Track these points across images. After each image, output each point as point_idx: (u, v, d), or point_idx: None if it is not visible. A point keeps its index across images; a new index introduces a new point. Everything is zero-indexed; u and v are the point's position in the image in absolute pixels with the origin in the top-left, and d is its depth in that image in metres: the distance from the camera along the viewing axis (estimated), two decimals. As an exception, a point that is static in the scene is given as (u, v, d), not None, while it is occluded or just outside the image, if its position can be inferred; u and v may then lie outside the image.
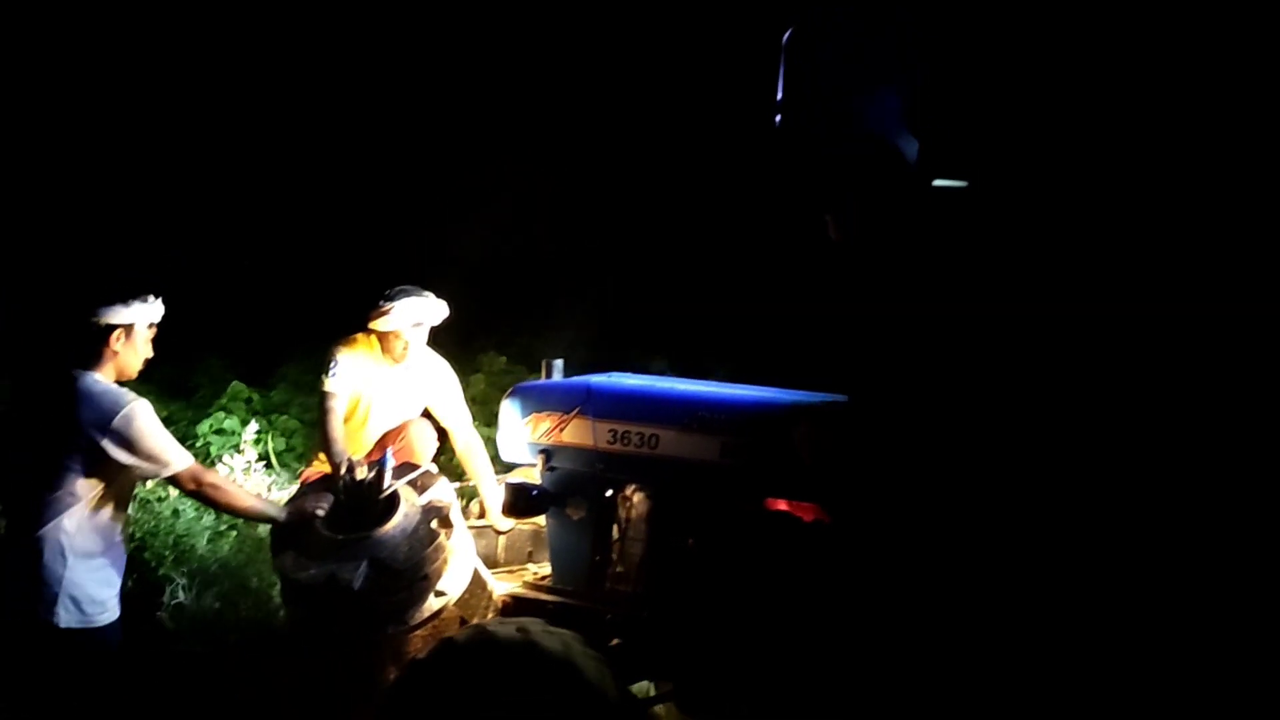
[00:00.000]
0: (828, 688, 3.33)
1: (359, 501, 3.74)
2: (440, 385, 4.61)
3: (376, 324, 4.42)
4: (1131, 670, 2.86)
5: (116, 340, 3.52)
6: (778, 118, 3.04)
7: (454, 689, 3.24)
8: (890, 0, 3.04)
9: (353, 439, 4.45)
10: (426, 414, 4.70)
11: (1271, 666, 2.69)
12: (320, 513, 3.69)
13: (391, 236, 10.01)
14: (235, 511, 3.81)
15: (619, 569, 3.83)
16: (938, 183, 3.19)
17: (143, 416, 3.46)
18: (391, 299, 4.39)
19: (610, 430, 3.79)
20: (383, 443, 4.47)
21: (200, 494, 3.60)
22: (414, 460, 4.30)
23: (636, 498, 3.81)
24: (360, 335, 4.51)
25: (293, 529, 3.72)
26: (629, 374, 4.19)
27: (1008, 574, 2.98)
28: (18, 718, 3.42)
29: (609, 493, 3.82)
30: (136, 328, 3.56)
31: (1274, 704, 2.70)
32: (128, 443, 3.42)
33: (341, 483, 3.80)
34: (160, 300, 3.65)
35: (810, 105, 3.01)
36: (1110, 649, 2.87)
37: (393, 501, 3.71)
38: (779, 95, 3.04)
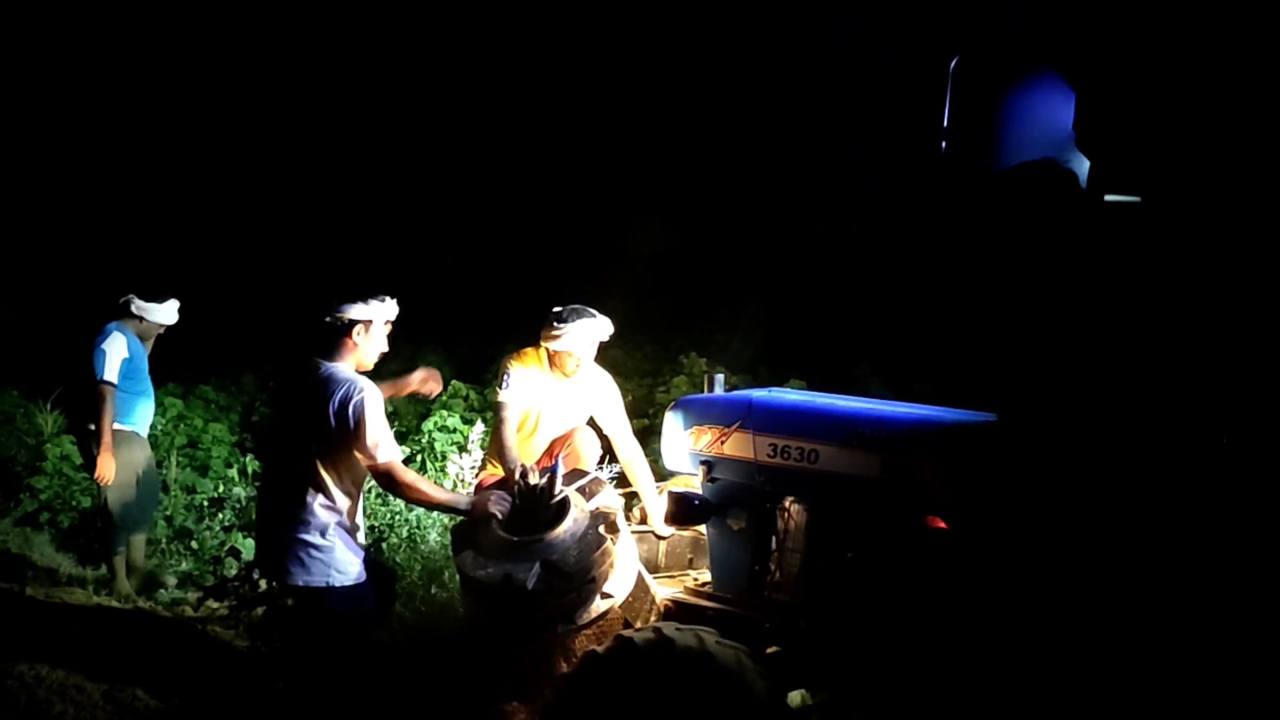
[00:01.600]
0: (976, 702, 3.38)
1: (532, 505, 3.97)
2: (604, 397, 4.82)
3: (550, 344, 4.65)
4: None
5: (357, 334, 4.11)
6: (944, 143, 3.11)
7: (627, 688, 3.42)
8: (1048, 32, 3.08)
9: (523, 446, 4.69)
10: (591, 423, 4.92)
11: None
12: (499, 514, 3.94)
13: (571, 235, 10.25)
14: (426, 503, 4.20)
15: (777, 579, 3.94)
16: (1110, 198, 3.19)
17: (371, 402, 4.00)
18: (564, 320, 4.60)
19: (770, 444, 3.92)
20: (551, 450, 4.72)
21: (394, 488, 4.06)
22: (580, 466, 4.52)
23: (795, 510, 3.92)
24: (531, 349, 4.75)
25: (471, 529, 3.98)
26: (788, 390, 4.30)
27: (1148, 597, 2.97)
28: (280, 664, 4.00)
29: (768, 505, 3.94)
30: (374, 324, 4.15)
31: None
32: (354, 423, 3.96)
33: (516, 487, 4.04)
34: (395, 301, 4.20)
35: (977, 130, 3.07)
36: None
37: (563, 507, 3.93)
38: (945, 122, 3.11)
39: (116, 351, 6.24)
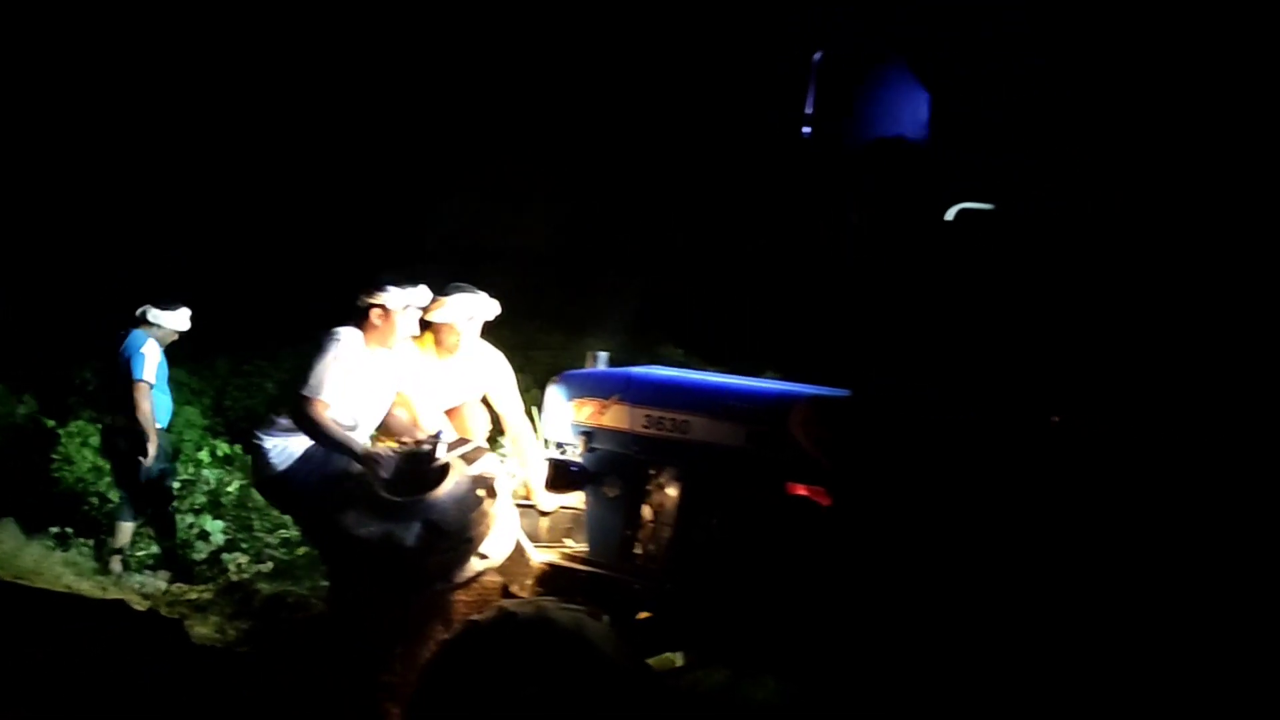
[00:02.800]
0: (839, 662, 3.60)
1: (415, 469, 4.11)
2: (494, 374, 4.97)
3: (431, 315, 4.79)
4: (1121, 654, 3.09)
5: (376, 317, 4.49)
6: (806, 129, 3.36)
7: (480, 666, 3.59)
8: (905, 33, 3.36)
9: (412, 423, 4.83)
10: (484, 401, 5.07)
11: None
12: (381, 471, 4.07)
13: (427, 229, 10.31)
14: (324, 439, 4.34)
15: (649, 544, 4.14)
16: (964, 206, 3.48)
17: (334, 341, 4.37)
18: (445, 294, 4.76)
19: (646, 416, 4.11)
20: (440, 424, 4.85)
21: (300, 419, 4.32)
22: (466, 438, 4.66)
23: (667, 478, 4.13)
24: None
25: (353, 492, 4.10)
26: (664, 367, 4.52)
27: (999, 558, 3.23)
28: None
29: (642, 473, 4.14)
30: (393, 309, 4.50)
31: None
32: (315, 353, 4.36)
33: (401, 452, 4.18)
34: (422, 288, 4.58)
35: (839, 119, 3.33)
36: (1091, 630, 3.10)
37: (445, 470, 4.07)
38: (809, 109, 3.36)
39: (153, 355, 7.04)
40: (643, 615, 4.13)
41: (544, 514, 4.71)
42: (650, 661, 4.24)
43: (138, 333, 7.09)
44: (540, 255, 9.67)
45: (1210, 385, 3.04)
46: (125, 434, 6.98)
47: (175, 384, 8.90)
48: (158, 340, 7.13)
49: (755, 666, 4.18)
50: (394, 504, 3.97)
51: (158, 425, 7.05)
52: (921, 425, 3.30)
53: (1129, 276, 3.19)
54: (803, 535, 3.75)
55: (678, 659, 4.27)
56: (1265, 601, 2.87)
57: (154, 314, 7.13)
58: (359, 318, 4.50)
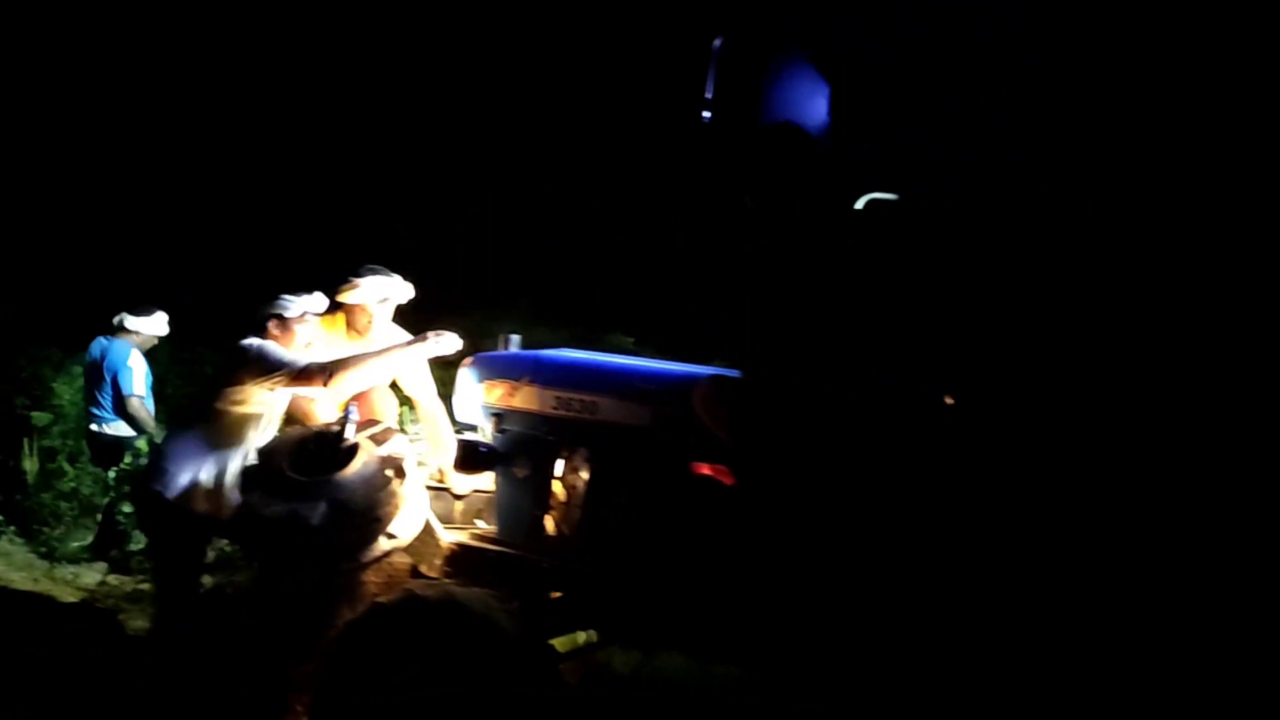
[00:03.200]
0: (747, 638, 3.69)
1: (324, 449, 4.11)
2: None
3: (343, 296, 4.80)
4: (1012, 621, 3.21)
5: (274, 328, 4.58)
6: (706, 114, 3.43)
7: (385, 648, 3.64)
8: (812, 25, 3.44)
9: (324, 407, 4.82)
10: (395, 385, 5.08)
11: None
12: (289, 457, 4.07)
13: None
14: None
15: (558, 525, 4.19)
16: (871, 196, 3.57)
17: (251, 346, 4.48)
18: (358, 275, 4.78)
19: (555, 397, 4.16)
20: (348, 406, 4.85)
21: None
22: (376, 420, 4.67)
23: (576, 459, 4.18)
24: (328, 316, 4.90)
25: (261, 473, 4.09)
26: (574, 349, 4.57)
27: (896, 533, 3.34)
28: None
29: (551, 454, 4.19)
30: (289, 321, 4.60)
31: None
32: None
33: (310, 433, 4.18)
34: (314, 297, 4.67)
35: (739, 105, 3.40)
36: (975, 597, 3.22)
37: (353, 451, 4.08)
38: (708, 94, 3.43)
39: (139, 367, 7.15)
40: (554, 595, 4.19)
41: (458, 497, 4.75)
42: (560, 640, 4.32)
43: (119, 343, 7.17)
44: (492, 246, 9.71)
45: (1101, 369, 3.18)
46: (101, 441, 7.15)
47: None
48: (139, 347, 7.21)
49: (665, 644, 4.27)
50: (300, 484, 3.97)
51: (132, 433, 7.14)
52: (816, 404, 3.40)
53: (1025, 265, 3.32)
54: (707, 514, 3.84)
55: (582, 638, 4.32)
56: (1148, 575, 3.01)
57: (131, 321, 7.21)
58: (258, 329, 4.59)
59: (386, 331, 4.93)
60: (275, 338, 4.58)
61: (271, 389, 4.36)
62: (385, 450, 4.17)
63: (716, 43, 3.45)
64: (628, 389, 4.01)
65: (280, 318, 4.61)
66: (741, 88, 3.43)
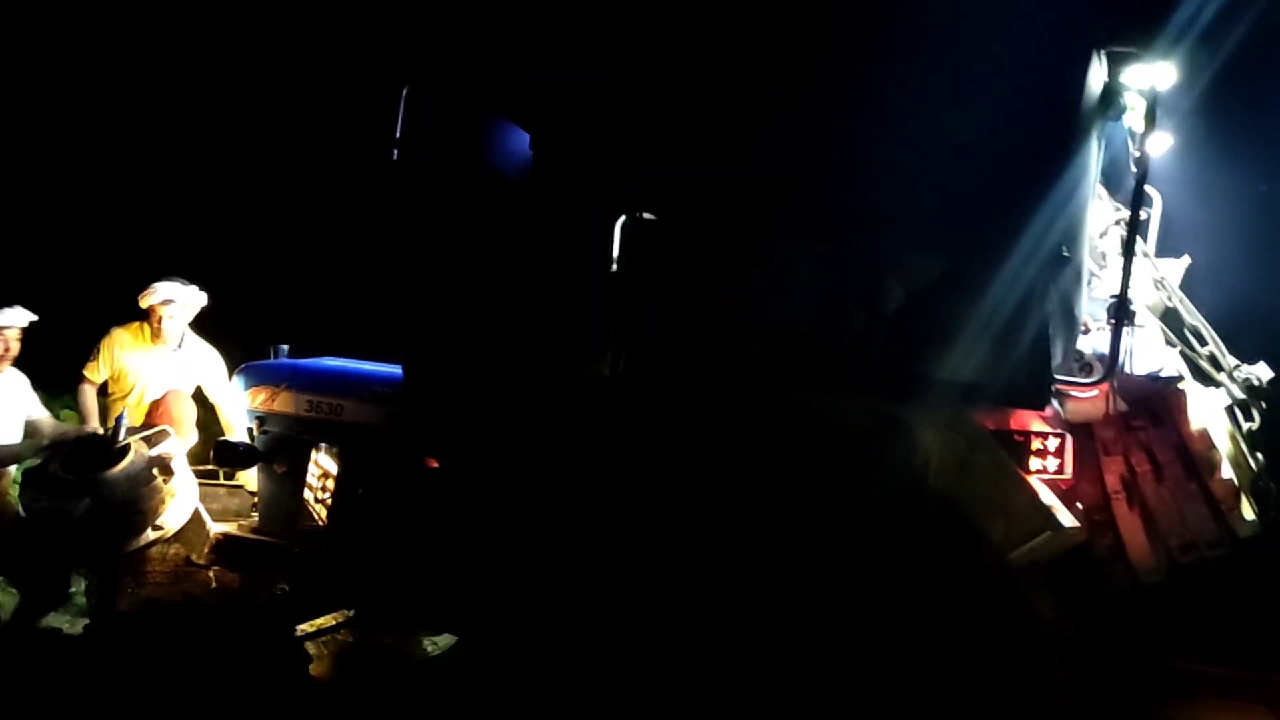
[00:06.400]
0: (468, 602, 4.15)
1: (96, 450, 4.57)
2: (206, 367, 5.47)
3: (143, 302, 5.33)
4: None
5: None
6: (395, 151, 3.94)
7: (135, 648, 4.07)
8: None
9: (129, 409, 5.28)
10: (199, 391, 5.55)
11: None
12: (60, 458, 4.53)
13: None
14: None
15: (309, 513, 4.67)
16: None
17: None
18: (157, 281, 5.31)
19: (308, 401, 4.65)
20: (150, 412, 5.32)
21: None
22: (174, 425, 5.13)
23: (326, 455, 4.67)
24: (135, 325, 5.38)
25: (37, 473, 4.55)
26: (335, 357, 5.05)
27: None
28: None
29: (306, 451, 4.67)
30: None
31: None
32: None
33: (86, 435, 4.65)
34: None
35: (421, 143, 3.93)
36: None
37: (124, 451, 4.55)
38: (398, 134, 3.95)
39: None
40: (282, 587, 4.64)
41: (253, 494, 5.21)
42: (321, 621, 4.80)
43: None
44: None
45: None
46: None
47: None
48: None
49: (408, 620, 4.76)
50: (67, 481, 4.43)
51: None
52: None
53: None
54: (431, 499, 4.33)
55: (332, 620, 4.79)
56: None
57: None
58: None
59: (191, 344, 5.43)
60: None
61: None
62: (158, 450, 4.63)
63: (405, 90, 3.97)
64: (366, 392, 4.51)
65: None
66: (427, 129, 3.95)
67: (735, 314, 3.63)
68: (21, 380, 5.19)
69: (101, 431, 4.70)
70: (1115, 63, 3.29)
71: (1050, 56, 3.15)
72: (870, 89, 3.33)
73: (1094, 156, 3.30)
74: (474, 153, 4.02)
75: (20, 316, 5.11)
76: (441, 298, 3.94)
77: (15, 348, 5.11)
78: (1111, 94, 3.27)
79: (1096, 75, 3.25)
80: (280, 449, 4.70)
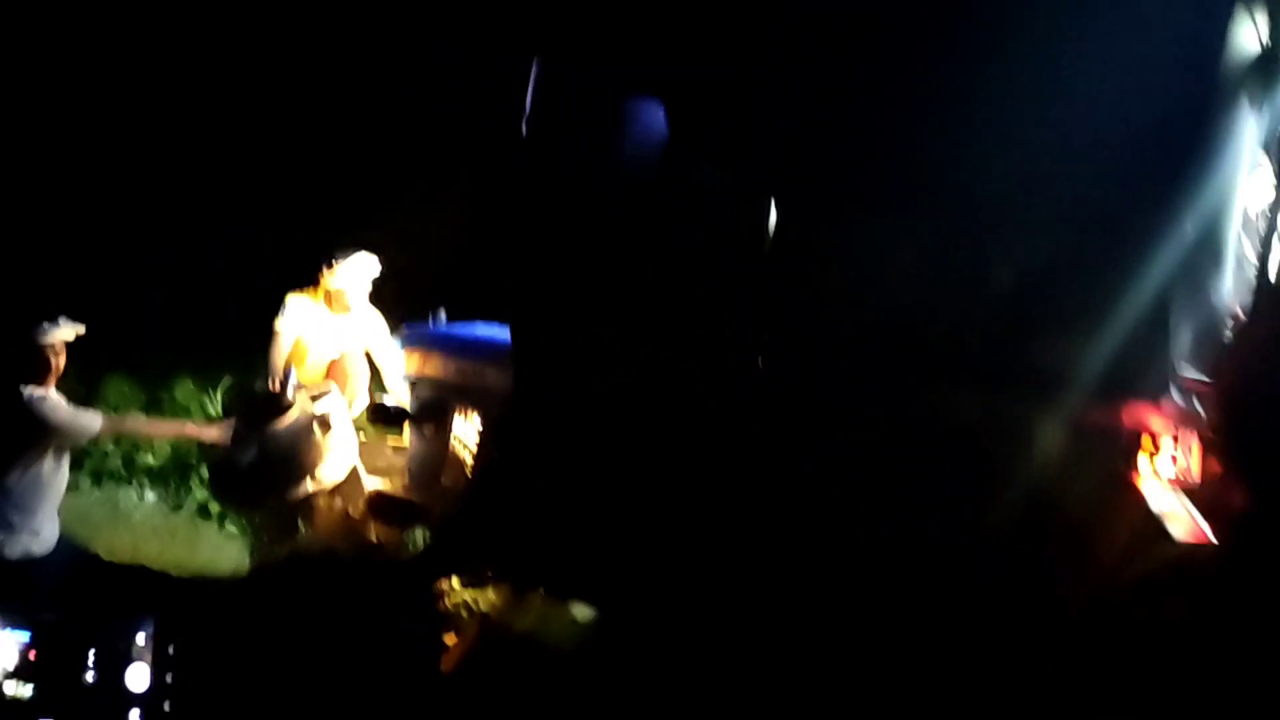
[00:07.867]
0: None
1: (267, 405, 4.95)
2: (373, 332, 5.79)
3: (326, 280, 5.62)
4: None
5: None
6: (524, 126, 4.02)
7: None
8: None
9: (302, 368, 5.66)
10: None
11: None
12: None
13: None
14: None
15: (453, 473, 4.88)
16: None
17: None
18: (337, 259, 5.58)
19: (456, 366, 4.86)
20: (326, 371, 5.69)
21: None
22: (345, 385, 5.48)
23: (470, 417, 4.85)
24: (311, 288, 5.72)
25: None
26: (488, 323, 5.20)
27: None
28: None
29: (451, 414, 4.88)
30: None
31: None
32: None
33: (258, 391, 5.06)
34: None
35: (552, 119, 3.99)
36: None
37: (289, 408, 4.90)
38: (528, 108, 4.02)
39: None
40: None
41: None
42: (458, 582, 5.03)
43: None
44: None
45: None
46: None
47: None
48: None
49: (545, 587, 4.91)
50: (241, 435, 4.83)
51: None
52: None
53: None
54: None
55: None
56: None
57: None
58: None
59: (362, 308, 5.75)
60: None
61: None
62: (320, 408, 4.96)
63: (535, 65, 4.03)
64: (509, 359, 4.65)
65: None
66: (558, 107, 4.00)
67: (858, 300, 3.54)
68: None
69: (275, 389, 5.08)
70: (1276, 20, 2.93)
71: (1185, 14, 2.84)
72: (987, 60, 3.11)
73: (1247, 126, 2.96)
74: (609, 134, 4.01)
75: (68, 330, 4.49)
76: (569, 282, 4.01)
77: (63, 363, 4.53)
78: (1271, 56, 2.92)
79: (1249, 34, 2.91)
80: (429, 411, 4.94)
